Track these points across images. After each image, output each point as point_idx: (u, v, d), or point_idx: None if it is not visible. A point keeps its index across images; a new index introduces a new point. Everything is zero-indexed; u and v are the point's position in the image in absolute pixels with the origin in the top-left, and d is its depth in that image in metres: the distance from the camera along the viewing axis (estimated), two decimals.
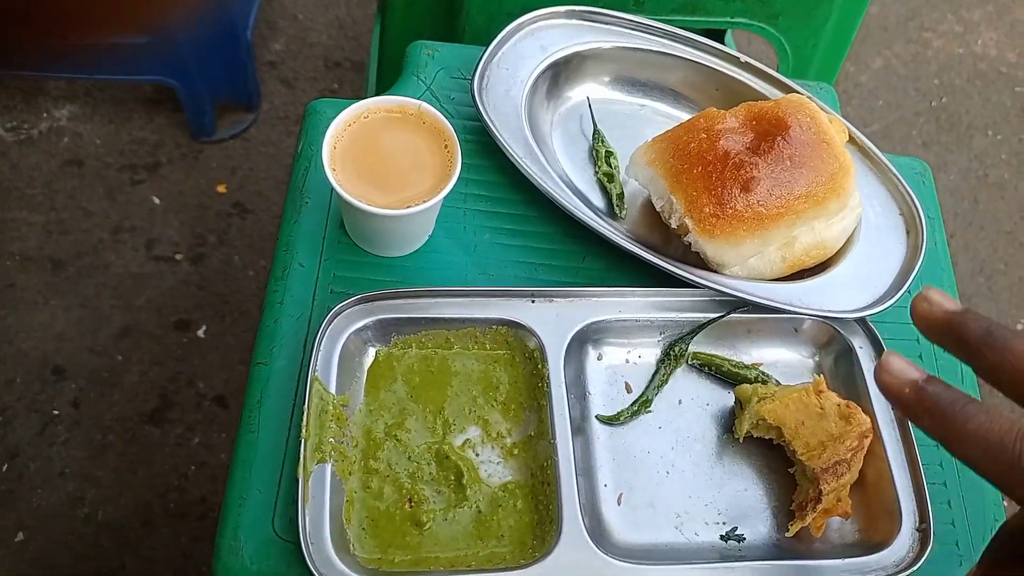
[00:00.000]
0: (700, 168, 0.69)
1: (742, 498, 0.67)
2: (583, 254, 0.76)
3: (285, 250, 0.73)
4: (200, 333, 1.66)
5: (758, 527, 0.66)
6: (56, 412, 1.55)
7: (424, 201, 0.65)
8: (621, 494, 0.66)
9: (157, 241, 1.73)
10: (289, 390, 0.67)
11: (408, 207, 0.65)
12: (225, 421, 1.58)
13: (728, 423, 0.70)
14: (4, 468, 1.49)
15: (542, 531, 0.63)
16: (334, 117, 0.68)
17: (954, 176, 2.11)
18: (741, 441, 0.67)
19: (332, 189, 0.73)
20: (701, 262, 0.73)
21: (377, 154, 0.67)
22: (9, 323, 1.61)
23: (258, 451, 0.64)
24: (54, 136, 1.84)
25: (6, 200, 1.77)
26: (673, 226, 0.72)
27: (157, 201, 1.79)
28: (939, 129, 2.19)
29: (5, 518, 1.45)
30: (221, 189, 1.81)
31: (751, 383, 0.69)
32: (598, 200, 0.79)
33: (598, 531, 0.63)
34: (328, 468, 0.62)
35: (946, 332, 0.43)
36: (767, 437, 0.67)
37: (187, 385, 1.61)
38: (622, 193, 0.78)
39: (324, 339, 0.66)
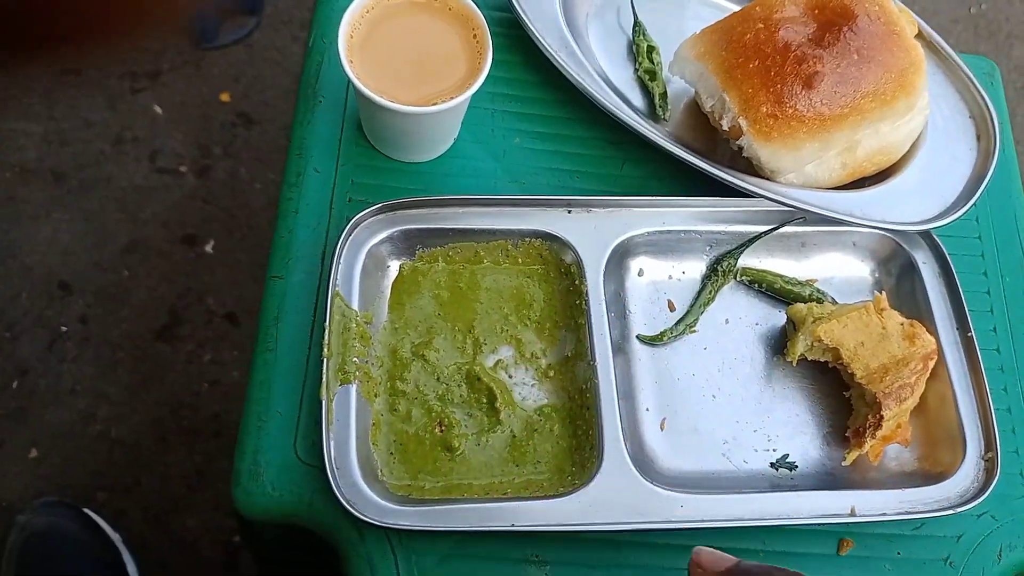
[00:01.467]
0: (757, 62, 0.63)
1: (793, 424, 0.62)
2: (622, 160, 0.70)
3: (298, 154, 0.67)
4: (208, 248, 1.60)
5: (810, 454, 0.62)
6: (64, 328, 1.51)
7: (452, 98, 0.59)
8: (664, 419, 0.61)
9: (160, 152, 1.67)
10: (308, 306, 0.62)
11: (434, 104, 0.59)
12: (236, 338, 1.54)
13: (778, 344, 0.65)
14: (14, 385, 1.46)
15: (581, 457, 0.58)
16: (350, 3, 0.61)
17: None
18: (794, 364, 0.62)
19: (349, 85, 0.66)
20: (752, 169, 0.67)
21: (399, 44, 0.60)
22: (12, 237, 1.56)
23: (277, 371, 0.59)
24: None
25: (4, 110, 1.70)
26: (724, 128, 0.65)
27: (159, 111, 1.71)
28: (977, 37, 2.08)
29: (18, 435, 1.43)
30: (225, 98, 1.73)
31: (805, 301, 0.64)
32: (638, 101, 0.72)
33: (641, 458, 0.59)
34: (353, 389, 0.57)
35: None
36: (822, 360, 0.62)
37: (197, 301, 1.56)
38: (665, 92, 0.71)
39: (344, 251, 0.60)
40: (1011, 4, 2.12)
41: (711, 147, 0.70)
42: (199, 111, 1.72)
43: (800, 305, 0.63)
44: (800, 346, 0.61)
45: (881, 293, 0.62)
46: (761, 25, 0.64)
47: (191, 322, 1.56)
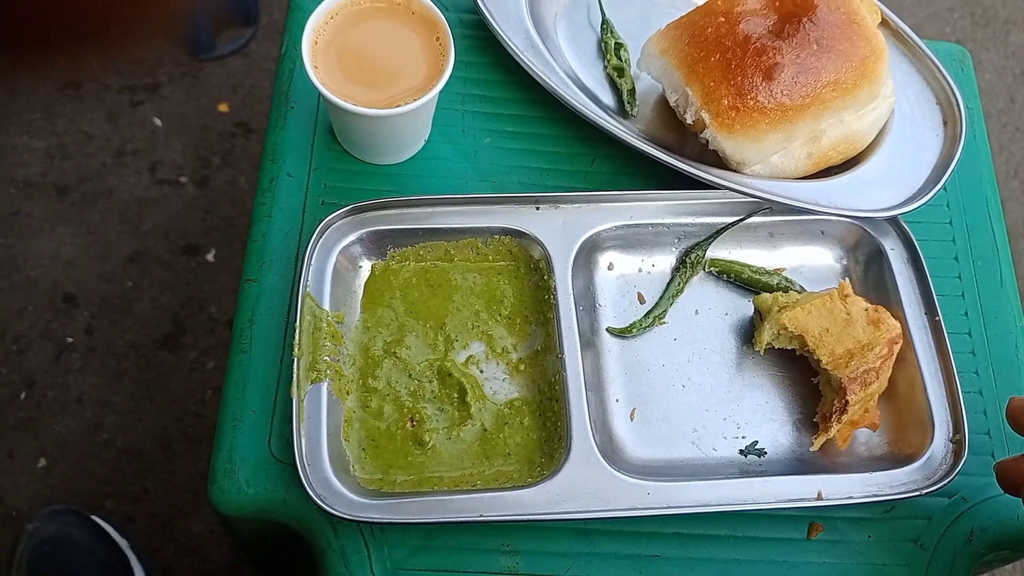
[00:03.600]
0: (718, 55, 0.63)
1: (762, 411, 0.63)
2: (592, 157, 0.71)
3: (272, 160, 0.68)
4: (210, 257, 1.63)
5: (780, 441, 0.62)
6: (70, 340, 1.54)
7: (415, 99, 0.60)
8: (634, 409, 0.62)
9: (160, 164, 1.69)
10: (281, 307, 0.63)
11: (397, 106, 0.60)
12: None
13: (747, 334, 0.66)
14: (23, 396, 1.49)
15: (551, 448, 0.59)
16: None
17: (989, 75, 2.00)
18: (762, 353, 0.63)
19: (319, 92, 0.68)
20: (719, 162, 0.68)
21: (362, 49, 0.62)
22: (16, 251, 1.59)
23: (251, 371, 0.61)
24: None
25: (6, 125, 1.73)
26: (688, 122, 0.66)
27: (158, 122, 1.74)
28: (974, 24, 2.07)
29: (27, 445, 1.46)
30: (223, 108, 1.76)
31: (773, 290, 0.65)
32: (608, 98, 0.73)
33: (610, 448, 0.60)
34: (324, 387, 0.58)
35: None
36: (789, 347, 0.62)
37: (199, 310, 1.59)
38: (633, 89, 0.72)
39: (315, 253, 0.62)
40: None
41: (681, 141, 0.71)
42: (198, 122, 1.74)
43: (766, 295, 0.63)
44: (767, 335, 0.62)
45: (846, 280, 0.63)
46: (722, 19, 0.65)
47: (194, 330, 1.58)
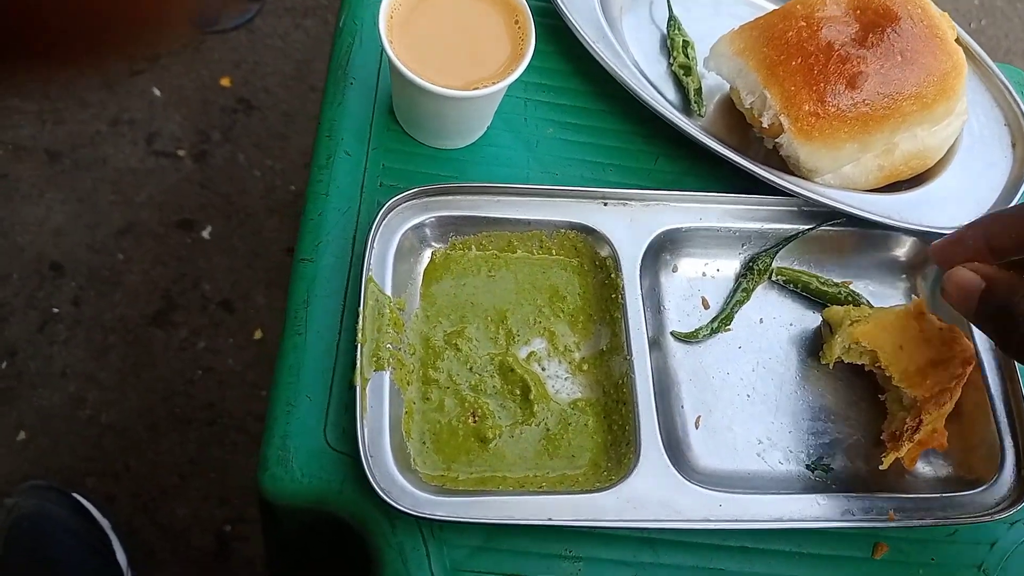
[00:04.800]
0: (800, 60, 0.62)
1: (827, 426, 0.62)
2: (656, 155, 0.69)
3: (328, 136, 0.65)
4: (205, 234, 1.58)
5: (843, 458, 0.61)
6: (56, 310, 1.48)
7: (493, 83, 0.58)
8: (699, 416, 0.61)
9: (158, 135, 1.64)
10: (338, 290, 0.60)
11: (475, 89, 0.58)
12: (232, 326, 1.52)
13: (812, 346, 0.64)
14: (3, 365, 1.43)
15: (617, 453, 0.57)
16: None
17: None
18: (831, 367, 0.62)
19: (380, 68, 0.65)
20: (786, 168, 0.67)
21: (440, 27, 0.59)
22: (3, 215, 1.53)
23: (306, 355, 0.58)
24: None
25: None
26: (764, 125, 0.65)
27: (158, 93, 1.69)
28: None
29: (6, 416, 1.40)
30: (225, 83, 1.71)
31: (840, 303, 0.64)
32: (671, 96, 0.71)
33: (677, 455, 0.58)
34: (386, 376, 0.56)
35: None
36: (859, 363, 0.61)
37: (192, 287, 1.54)
38: (700, 88, 0.71)
39: (378, 235, 0.59)
40: (1009, 20, 2.14)
41: (743, 145, 0.70)
42: (199, 95, 1.70)
43: (837, 308, 0.62)
44: (837, 348, 0.61)
45: (920, 297, 0.62)
46: (803, 23, 0.63)
47: (185, 308, 1.54)
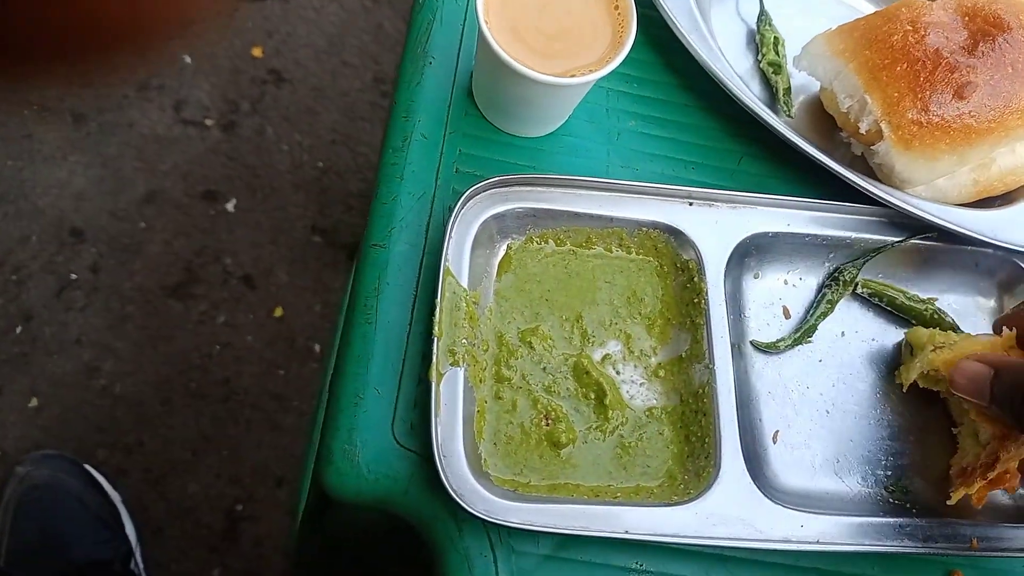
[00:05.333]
0: (905, 66, 0.59)
1: (904, 447, 0.59)
2: (740, 155, 0.66)
3: (405, 117, 0.62)
4: (229, 207, 1.55)
5: (920, 480, 0.59)
6: (74, 276, 1.45)
7: (591, 71, 0.55)
8: (777, 431, 0.58)
9: (186, 103, 1.60)
10: (410, 279, 0.57)
11: (572, 76, 0.55)
12: (252, 302, 1.49)
13: (892, 363, 0.62)
14: (18, 330, 1.40)
15: (695, 465, 0.55)
16: None
17: None
18: (904, 389, 0.59)
19: (460, 48, 0.62)
20: (873, 176, 0.64)
21: (537, 10, 0.56)
22: (25, 176, 1.50)
23: (375, 346, 0.55)
24: None
25: None
26: (862, 131, 0.62)
27: (188, 60, 1.65)
28: None
29: (18, 382, 1.37)
30: (256, 53, 1.67)
31: (926, 321, 0.61)
32: (757, 94, 0.68)
33: (756, 470, 0.56)
34: (460, 373, 0.53)
35: None
36: (934, 389, 0.59)
37: (213, 260, 1.51)
38: (789, 88, 0.68)
39: (456, 224, 0.56)
40: None
41: (829, 149, 0.67)
42: (229, 64, 1.66)
43: (922, 330, 0.60)
44: (915, 372, 0.58)
45: (1012, 331, 0.59)
46: (909, 27, 0.60)
47: (206, 281, 1.51)
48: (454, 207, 0.56)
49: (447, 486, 0.49)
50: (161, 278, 1.48)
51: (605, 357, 0.58)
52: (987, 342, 0.57)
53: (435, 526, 0.52)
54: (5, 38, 0.24)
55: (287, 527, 1.36)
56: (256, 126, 1.61)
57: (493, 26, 0.55)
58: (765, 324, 0.61)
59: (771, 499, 0.53)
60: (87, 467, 1.29)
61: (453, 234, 0.56)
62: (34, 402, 1.36)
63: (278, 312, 1.49)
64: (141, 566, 1.25)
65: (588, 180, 0.59)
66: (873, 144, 0.62)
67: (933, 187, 0.62)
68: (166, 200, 1.53)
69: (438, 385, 0.52)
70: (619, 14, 0.57)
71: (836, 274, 0.62)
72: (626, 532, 0.51)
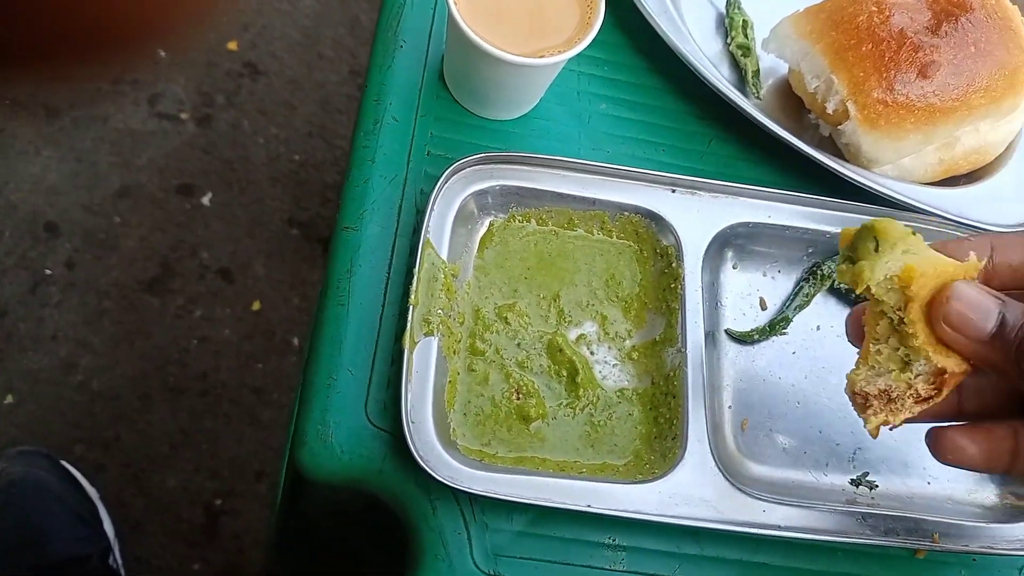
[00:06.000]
0: (870, 46, 0.60)
1: (873, 443, 0.60)
2: (709, 137, 0.67)
3: (376, 100, 0.62)
4: (205, 200, 1.54)
5: (890, 477, 0.59)
6: (49, 272, 1.44)
7: (560, 52, 0.55)
8: (745, 420, 0.59)
9: (161, 97, 1.59)
10: (382, 260, 0.58)
11: (541, 57, 0.55)
12: (229, 295, 1.49)
13: None
14: None
15: (662, 447, 0.55)
16: None
17: None
18: (857, 292, 0.47)
19: (431, 32, 0.62)
20: (841, 157, 0.65)
21: None
22: None
23: (348, 327, 0.55)
24: None
25: None
26: (829, 111, 0.63)
27: (162, 54, 1.63)
28: None
29: None
30: (232, 46, 1.67)
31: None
32: (727, 77, 0.69)
33: (723, 456, 0.56)
34: (434, 343, 0.54)
35: None
36: (881, 298, 0.46)
37: (190, 255, 1.50)
38: (758, 70, 0.68)
39: (439, 198, 0.56)
40: None
41: (798, 131, 0.68)
42: (204, 57, 1.65)
43: (898, 223, 0.46)
44: (880, 273, 0.45)
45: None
46: (874, 8, 0.61)
47: (183, 276, 1.50)
48: (437, 181, 0.56)
49: (413, 452, 0.49)
50: (137, 273, 1.47)
51: (580, 337, 0.58)
52: (956, 265, 0.46)
53: (409, 504, 0.53)
54: None
55: (267, 521, 1.36)
56: (232, 119, 1.60)
57: (462, 8, 0.55)
58: (741, 314, 0.62)
59: (734, 484, 0.54)
60: (64, 463, 1.28)
61: (435, 207, 0.56)
62: (9, 399, 1.35)
63: (256, 306, 1.49)
64: (120, 562, 1.24)
65: (573, 161, 0.59)
66: (840, 124, 0.62)
67: (899, 166, 0.63)
68: (141, 194, 1.52)
69: (411, 353, 0.52)
70: None
71: (814, 268, 0.63)
72: (588, 506, 0.51)
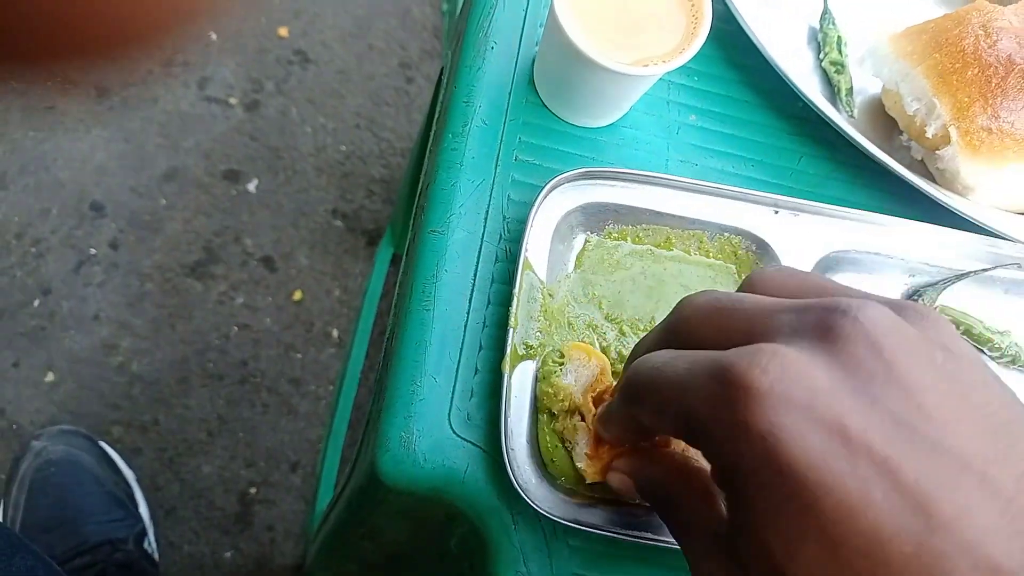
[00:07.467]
0: (977, 70, 0.58)
1: None
2: (799, 154, 0.66)
3: (466, 102, 0.61)
4: (251, 187, 1.54)
5: None
6: (93, 251, 1.44)
7: (664, 62, 0.54)
8: None
9: (210, 80, 1.59)
10: (467, 266, 0.57)
11: (645, 67, 0.54)
12: (272, 284, 1.48)
13: None
14: (36, 303, 1.39)
15: None
16: None
17: None
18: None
19: (522, 34, 0.61)
20: (934, 182, 0.63)
21: None
22: (46, 148, 1.48)
23: (433, 333, 0.54)
24: None
25: None
26: (929, 135, 0.61)
27: (213, 37, 1.63)
28: None
29: (35, 356, 1.36)
30: (283, 33, 1.66)
31: (1000, 355, 0.59)
32: (814, 94, 0.67)
33: None
34: (531, 367, 0.52)
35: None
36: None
37: (234, 241, 1.50)
38: (852, 88, 0.67)
39: (538, 214, 0.55)
40: None
41: (887, 152, 0.66)
42: (255, 43, 1.64)
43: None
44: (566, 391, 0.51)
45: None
46: (981, 32, 0.60)
47: (226, 262, 1.50)
48: (536, 196, 0.55)
49: (513, 481, 0.48)
50: (181, 256, 1.47)
51: None
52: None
53: (490, 519, 0.52)
54: (30, 14, 0.24)
55: (301, 512, 1.35)
56: (280, 106, 1.60)
57: (565, 12, 0.54)
58: None
59: None
60: (103, 444, 1.28)
61: (533, 224, 0.55)
62: (50, 377, 1.35)
63: (297, 296, 1.48)
64: (154, 546, 1.25)
65: (674, 179, 0.58)
66: (938, 149, 0.61)
67: (996, 195, 0.62)
68: (188, 178, 1.52)
69: (510, 377, 0.51)
70: (693, 5, 0.56)
71: (915, 297, 0.61)
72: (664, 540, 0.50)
